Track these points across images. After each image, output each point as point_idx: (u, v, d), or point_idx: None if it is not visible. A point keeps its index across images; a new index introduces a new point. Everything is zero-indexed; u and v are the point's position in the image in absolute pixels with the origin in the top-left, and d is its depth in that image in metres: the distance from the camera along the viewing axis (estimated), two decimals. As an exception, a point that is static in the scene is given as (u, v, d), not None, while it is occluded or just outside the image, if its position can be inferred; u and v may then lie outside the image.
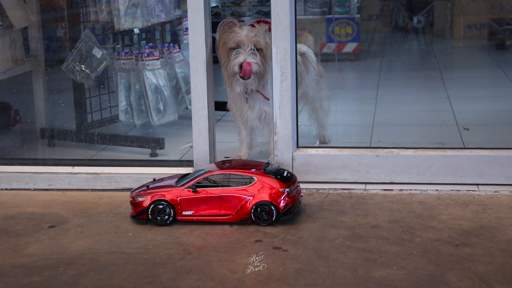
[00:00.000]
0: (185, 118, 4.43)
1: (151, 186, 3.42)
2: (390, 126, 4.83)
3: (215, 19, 7.93)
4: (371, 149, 3.89)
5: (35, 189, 3.92)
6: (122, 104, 4.56)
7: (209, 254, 2.99)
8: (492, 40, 7.99)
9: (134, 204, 3.38)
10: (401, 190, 3.70)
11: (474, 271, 2.77)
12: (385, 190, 3.70)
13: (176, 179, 3.44)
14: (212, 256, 2.97)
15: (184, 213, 3.32)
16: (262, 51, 3.88)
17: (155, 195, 3.33)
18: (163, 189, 3.36)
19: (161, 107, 4.52)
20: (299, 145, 3.90)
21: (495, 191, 3.63)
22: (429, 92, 6.07)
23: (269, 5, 3.77)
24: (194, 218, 3.32)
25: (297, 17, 3.80)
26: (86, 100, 4.73)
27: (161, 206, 3.31)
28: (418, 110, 5.45)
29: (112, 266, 2.91)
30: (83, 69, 4.49)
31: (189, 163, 3.86)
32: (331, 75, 6.82)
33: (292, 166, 3.82)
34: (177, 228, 3.29)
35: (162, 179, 3.51)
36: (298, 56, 3.98)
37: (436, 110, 5.41)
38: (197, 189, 3.31)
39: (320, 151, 3.86)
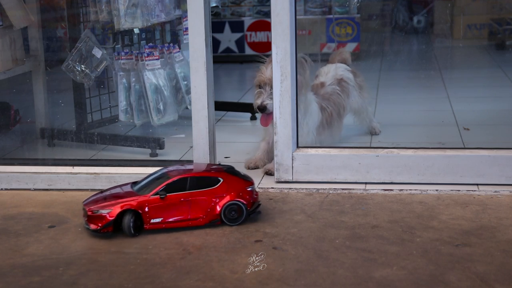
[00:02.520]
0: (185, 118, 4.42)
1: (106, 196, 3.27)
2: (390, 126, 4.83)
3: (215, 19, 7.98)
4: (371, 149, 3.89)
5: (35, 189, 3.92)
6: (122, 104, 4.56)
7: (209, 254, 2.99)
8: (492, 40, 7.99)
9: (95, 217, 3.18)
10: (401, 190, 3.70)
11: (474, 271, 2.77)
12: (385, 190, 3.70)
13: (130, 185, 3.35)
14: (212, 256, 2.97)
15: (152, 221, 3.21)
16: None
17: (124, 205, 3.17)
18: (127, 198, 3.20)
19: (161, 107, 4.52)
20: (299, 145, 3.90)
21: (495, 191, 3.63)
22: (429, 92, 6.07)
23: (269, 5, 3.77)
24: (163, 225, 3.22)
25: (297, 17, 3.80)
26: (86, 100, 4.74)
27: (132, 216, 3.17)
28: (418, 110, 5.45)
29: (112, 266, 2.91)
30: (83, 69, 4.49)
31: (189, 163, 3.86)
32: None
33: (292, 166, 3.82)
34: (177, 228, 3.29)
35: (110, 189, 3.37)
36: (335, 86, 4.35)
37: (436, 110, 5.41)
38: (166, 194, 3.21)
39: (320, 151, 3.86)
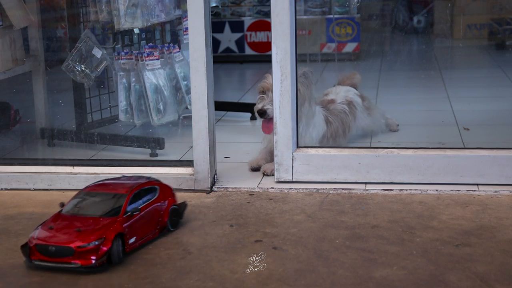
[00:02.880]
0: (185, 118, 4.43)
1: (59, 227, 2.91)
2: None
3: (215, 19, 7.98)
4: (371, 149, 3.89)
5: (35, 189, 3.92)
6: (122, 104, 4.56)
7: (209, 254, 2.99)
8: (492, 40, 7.99)
9: (85, 252, 2.81)
10: (401, 190, 3.70)
11: (474, 271, 2.77)
12: (385, 190, 3.70)
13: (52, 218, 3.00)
14: (212, 256, 2.97)
15: (130, 241, 2.96)
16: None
17: (114, 230, 2.87)
18: (107, 222, 2.89)
19: (161, 107, 4.52)
20: (299, 145, 3.90)
21: (495, 191, 3.63)
22: (429, 92, 6.07)
23: (269, 5, 3.77)
24: (137, 244, 3.01)
25: (297, 17, 3.80)
26: (86, 100, 4.73)
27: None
28: (418, 110, 5.45)
29: (112, 266, 2.91)
30: (83, 69, 4.49)
31: (189, 163, 3.86)
32: (331, 75, 6.84)
33: (292, 166, 3.82)
34: (177, 228, 3.29)
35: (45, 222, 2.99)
36: (345, 106, 4.41)
37: (436, 110, 5.42)
38: (134, 212, 2.98)
39: (320, 151, 3.86)
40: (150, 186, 3.14)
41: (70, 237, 2.83)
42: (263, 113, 3.99)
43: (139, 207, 3.02)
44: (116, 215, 2.93)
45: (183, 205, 3.33)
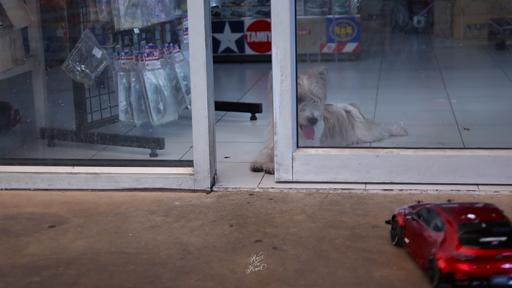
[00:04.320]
0: (185, 118, 4.43)
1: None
2: (390, 126, 4.82)
3: (215, 19, 7.98)
4: (371, 149, 3.89)
5: (35, 189, 3.92)
6: (122, 104, 4.56)
7: (209, 254, 2.99)
8: (492, 40, 7.99)
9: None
10: (401, 190, 3.70)
11: (474, 271, 2.77)
12: (385, 190, 3.70)
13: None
14: (212, 256, 2.97)
15: (405, 239, 2.93)
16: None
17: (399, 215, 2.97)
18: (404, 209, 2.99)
19: (161, 107, 4.52)
20: (299, 145, 3.90)
21: (495, 191, 3.63)
22: (429, 92, 6.07)
23: (269, 5, 3.77)
24: (408, 248, 2.91)
25: (297, 17, 3.80)
26: (86, 100, 4.73)
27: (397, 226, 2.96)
28: (418, 110, 5.45)
29: (112, 266, 2.91)
30: (83, 69, 4.49)
31: (189, 163, 3.86)
32: (331, 75, 6.83)
33: (292, 166, 3.82)
34: (177, 228, 3.30)
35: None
36: (343, 111, 4.47)
37: (436, 110, 5.42)
38: (414, 218, 2.87)
39: (320, 151, 3.86)
40: (438, 215, 2.76)
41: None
42: (314, 121, 4.01)
43: (412, 217, 2.90)
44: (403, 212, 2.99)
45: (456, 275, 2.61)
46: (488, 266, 2.55)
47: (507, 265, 2.56)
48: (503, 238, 2.60)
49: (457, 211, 2.72)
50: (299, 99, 3.99)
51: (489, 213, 2.72)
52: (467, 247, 2.57)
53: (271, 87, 3.87)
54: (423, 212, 2.84)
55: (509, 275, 2.56)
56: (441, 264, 2.58)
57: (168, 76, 4.58)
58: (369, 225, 3.25)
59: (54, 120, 4.95)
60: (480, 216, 2.68)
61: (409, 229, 2.90)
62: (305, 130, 4.06)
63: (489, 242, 2.59)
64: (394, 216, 3.02)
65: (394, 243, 3.01)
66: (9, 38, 4.59)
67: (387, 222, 3.10)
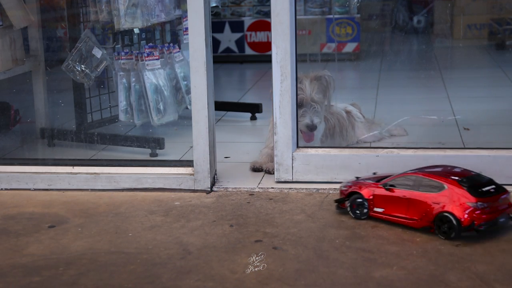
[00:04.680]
0: (185, 118, 4.43)
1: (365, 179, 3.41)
2: (390, 126, 4.82)
3: (215, 19, 7.98)
4: (371, 149, 3.89)
5: (35, 189, 3.92)
6: (122, 104, 4.56)
7: (209, 254, 2.99)
8: (492, 40, 7.99)
9: (340, 192, 3.42)
10: (401, 190, 3.69)
11: (474, 271, 2.77)
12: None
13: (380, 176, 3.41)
14: (212, 256, 2.97)
15: (375, 209, 3.27)
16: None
17: (352, 188, 3.34)
18: (362, 183, 3.35)
19: (161, 107, 4.52)
20: (299, 145, 3.90)
21: (495, 191, 3.62)
22: (429, 92, 6.07)
23: (269, 5, 3.77)
24: (384, 216, 3.24)
25: (297, 17, 3.80)
26: (86, 100, 4.73)
27: (359, 200, 3.30)
28: (418, 110, 5.45)
29: (112, 266, 2.91)
30: (83, 69, 4.49)
31: (189, 163, 3.86)
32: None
33: (292, 166, 3.82)
34: (177, 228, 3.30)
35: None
36: (343, 112, 4.48)
37: (436, 110, 5.41)
38: (390, 188, 3.22)
39: (320, 151, 3.86)
40: (434, 180, 3.12)
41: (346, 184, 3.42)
42: (314, 128, 4.03)
43: (394, 187, 3.23)
44: (377, 182, 3.32)
45: (471, 222, 3.04)
46: (494, 210, 3.06)
47: (503, 206, 3.11)
48: (493, 186, 3.15)
49: (444, 174, 3.16)
50: (299, 105, 4.00)
51: (465, 172, 3.22)
52: (480, 197, 3.03)
53: None
54: (403, 180, 3.20)
55: (507, 214, 3.12)
56: (462, 215, 3.00)
57: (168, 76, 4.58)
58: (369, 225, 3.25)
59: (54, 120, 4.95)
60: (463, 175, 3.16)
61: (384, 198, 3.23)
62: (304, 135, 4.06)
63: (489, 191, 3.10)
64: (353, 193, 3.32)
65: (363, 217, 3.30)
66: (9, 38, 4.59)
67: (337, 200, 3.40)
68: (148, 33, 4.74)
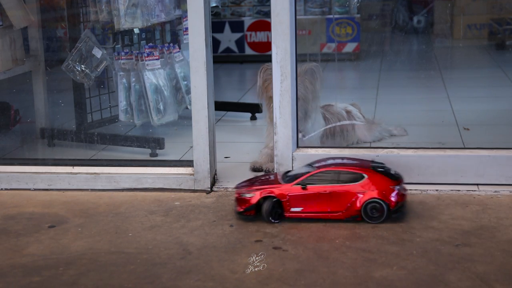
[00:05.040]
0: (185, 118, 4.43)
1: (256, 181, 3.42)
2: (390, 126, 4.82)
3: (215, 19, 7.98)
4: (371, 149, 3.89)
5: (35, 189, 3.92)
6: (122, 104, 4.56)
7: (209, 254, 2.99)
8: (492, 40, 7.99)
9: (241, 200, 3.36)
10: (401, 190, 3.69)
11: (474, 271, 2.77)
12: (385, 190, 3.70)
13: (281, 176, 3.43)
14: (212, 256, 2.97)
15: (292, 209, 3.29)
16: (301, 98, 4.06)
17: (264, 192, 3.31)
18: (271, 186, 3.33)
19: (161, 107, 4.52)
20: (299, 145, 3.90)
21: (495, 191, 3.63)
22: (429, 92, 6.07)
23: (269, 5, 3.77)
24: (303, 215, 3.29)
25: (297, 17, 3.80)
26: (86, 100, 4.73)
27: (272, 203, 3.29)
28: (418, 110, 5.45)
29: (112, 266, 2.91)
30: (83, 69, 4.49)
31: (189, 163, 3.86)
32: (331, 75, 6.84)
33: (292, 166, 3.81)
34: (177, 228, 3.30)
35: (261, 176, 3.51)
36: (343, 112, 4.48)
37: (436, 110, 5.41)
38: (307, 186, 3.28)
39: (320, 151, 3.86)
40: (352, 172, 3.30)
41: (245, 189, 3.40)
42: None
43: (309, 184, 3.29)
44: (288, 182, 3.34)
45: (399, 204, 3.30)
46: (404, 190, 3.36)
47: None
48: (392, 170, 3.40)
49: (357, 164, 3.38)
50: (271, 98, 3.99)
51: (364, 161, 3.45)
52: (397, 180, 3.31)
53: (262, 83, 3.90)
54: (315, 178, 3.29)
55: (404, 194, 3.34)
56: (393, 198, 3.24)
57: (168, 76, 4.58)
58: (369, 225, 3.25)
59: (54, 120, 4.95)
60: (368, 163, 3.42)
61: (300, 197, 3.28)
62: None
63: (396, 173, 3.38)
64: (266, 198, 3.29)
65: (277, 221, 3.30)
66: (9, 38, 4.59)
67: (239, 212, 3.35)
68: (148, 33, 4.74)
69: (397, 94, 6.07)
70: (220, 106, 5.36)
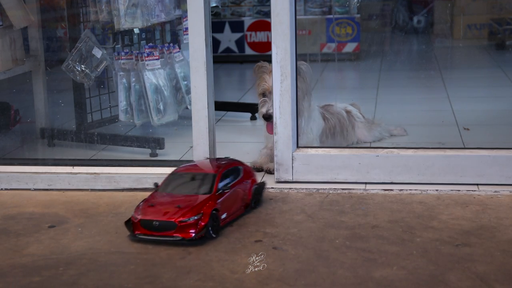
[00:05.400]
0: (185, 118, 4.43)
1: (161, 203, 3.17)
2: (390, 126, 4.82)
3: (215, 19, 7.98)
4: (371, 149, 3.89)
5: (35, 189, 3.92)
6: (122, 104, 4.56)
7: (209, 254, 2.99)
8: (492, 40, 8.00)
9: (186, 226, 3.05)
10: (401, 190, 3.70)
11: (474, 271, 2.77)
12: (385, 190, 3.70)
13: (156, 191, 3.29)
14: (212, 256, 2.97)
15: (222, 217, 3.20)
16: None
17: (209, 207, 3.11)
18: (202, 200, 3.14)
19: (161, 107, 4.52)
20: (299, 145, 3.90)
21: (495, 191, 3.63)
22: (429, 92, 6.07)
23: (269, 5, 3.77)
24: (228, 219, 3.27)
25: (297, 17, 3.81)
26: (86, 100, 4.73)
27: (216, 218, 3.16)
28: (418, 110, 5.45)
29: (112, 266, 2.91)
30: (83, 69, 4.49)
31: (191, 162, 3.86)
32: (331, 75, 6.84)
33: (292, 166, 3.82)
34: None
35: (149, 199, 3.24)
36: (343, 112, 4.48)
37: (436, 110, 5.42)
38: (223, 190, 3.26)
39: (320, 151, 3.86)
40: (235, 166, 3.43)
41: (171, 213, 3.09)
42: (269, 117, 3.99)
43: (229, 185, 3.28)
44: (210, 192, 3.19)
45: (262, 184, 3.58)
46: None
47: None
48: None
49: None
50: (261, 94, 4.06)
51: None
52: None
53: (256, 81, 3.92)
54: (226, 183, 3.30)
55: None
56: None
57: (168, 76, 4.58)
58: (369, 225, 3.25)
59: (54, 120, 4.95)
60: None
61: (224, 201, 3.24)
62: (268, 126, 4.06)
63: None
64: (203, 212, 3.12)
65: (202, 233, 3.09)
66: (9, 38, 4.59)
67: (127, 228, 3.18)
68: (148, 33, 4.74)
69: (397, 94, 6.07)
70: (220, 106, 5.36)
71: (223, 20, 8.12)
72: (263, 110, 4.04)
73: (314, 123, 4.20)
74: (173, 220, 3.05)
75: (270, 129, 4.02)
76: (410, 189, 3.70)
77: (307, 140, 4.06)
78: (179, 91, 4.64)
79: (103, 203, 3.67)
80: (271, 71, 3.99)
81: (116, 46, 4.66)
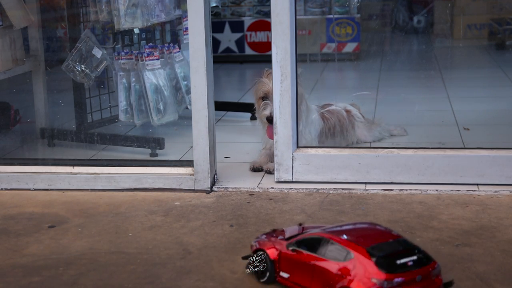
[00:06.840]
0: (185, 118, 4.43)
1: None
2: (390, 126, 4.82)
3: (215, 19, 7.98)
4: (371, 149, 3.89)
5: (35, 189, 3.92)
6: (122, 104, 4.56)
7: (209, 254, 2.99)
8: (492, 40, 8.00)
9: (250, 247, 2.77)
10: (401, 190, 3.70)
11: (474, 271, 2.77)
12: (385, 190, 3.70)
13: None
14: (212, 256, 2.97)
15: (281, 274, 2.66)
16: None
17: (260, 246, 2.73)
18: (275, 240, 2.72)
19: (161, 107, 4.52)
20: (299, 145, 3.90)
21: (495, 191, 3.63)
22: (429, 92, 6.07)
23: (269, 5, 3.78)
24: (289, 283, 2.62)
25: (297, 17, 3.81)
26: (86, 100, 4.73)
27: (262, 261, 2.69)
28: (418, 110, 5.45)
29: (112, 266, 2.91)
30: (83, 69, 4.49)
31: (189, 163, 3.86)
32: (331, 75, 6.84)
33: (292, 166, 3.82)
34: (177, 228, 3.30)
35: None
36: (343, 111, 4.46)
37: (436, 110, 5.42)
38: (296, 249, 2.60)
39: (320, 151, 3.86)
40: (342, 247, 2.48)
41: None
42: (272, 120, 3.97)
43: (300, 248, 2.61)
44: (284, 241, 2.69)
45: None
46: None
47: (425, 284, 2.42)
48: (414, 257, 2.44)
49: (355, 236, 2.50)
50: (260, 98, 4.05)
51: (384, 235, 2.54)
52: (388, 273, 2.36)
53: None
54: (309, 241, 2.57)
55: None
56: None
57: (168, 76, 4.58)
58: (369, 225, 3.25)
59: (54, 120, 4.95)
60: (377, 239, 2.49)
61: (289, 262, 2.62)
62: (268, 129, 4.06)
63: (406, 264, 2.41)
64: (258, 250, 2.72)
65: (263, 280, 2.69)
66: (9, 38, 4.59)
67: (244, 257, 2.78)
68: (148, 33, 4.74)
69: (397, 94, 6.07)
70: (220, 106, 5.36)
71: (223, 20, 8.13)
72: (266, 112, 4.03)
73: (312, 125, 4.20)
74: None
75: (271, 133, 4.01)
76: (410, 189, 3.70)
77: (306, 142, 4.06)
78: (179, 91, 4.65)
79: (103, 203, 3.67)
80: (269, 74, 4.00)
81: (116, 46, 4.66)
